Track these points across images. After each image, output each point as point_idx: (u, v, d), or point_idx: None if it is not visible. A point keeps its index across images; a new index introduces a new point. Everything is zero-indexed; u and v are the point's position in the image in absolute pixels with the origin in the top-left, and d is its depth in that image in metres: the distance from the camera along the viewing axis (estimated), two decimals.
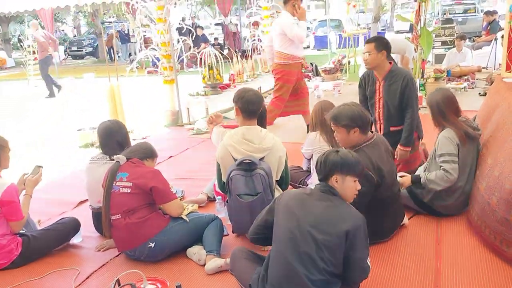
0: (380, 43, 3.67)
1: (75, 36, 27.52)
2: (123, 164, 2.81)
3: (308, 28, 21.90)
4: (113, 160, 2.94)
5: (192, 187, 4.24)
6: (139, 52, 8.67)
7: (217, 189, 3.28)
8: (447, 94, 3.29)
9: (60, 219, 3.25)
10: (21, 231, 2.97)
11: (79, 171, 5.00)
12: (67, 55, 22.36)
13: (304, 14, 5.40)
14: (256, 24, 10.39)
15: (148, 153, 2.99)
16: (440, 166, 3.11)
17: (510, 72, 3.91)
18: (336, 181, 2.18)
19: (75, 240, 3.22)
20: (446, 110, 3.20)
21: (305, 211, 2.12)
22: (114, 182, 2.77)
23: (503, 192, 2.52)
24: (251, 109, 2.92)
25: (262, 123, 3.05)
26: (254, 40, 9.91)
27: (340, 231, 2.04)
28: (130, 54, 18.31)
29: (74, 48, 22.39)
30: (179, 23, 14.12)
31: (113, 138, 3.15)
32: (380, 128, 3.84)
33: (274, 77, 5.67)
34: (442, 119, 3.22)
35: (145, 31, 7.36)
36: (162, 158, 4.99)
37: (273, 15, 9.76)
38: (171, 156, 5.35)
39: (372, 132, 2.97)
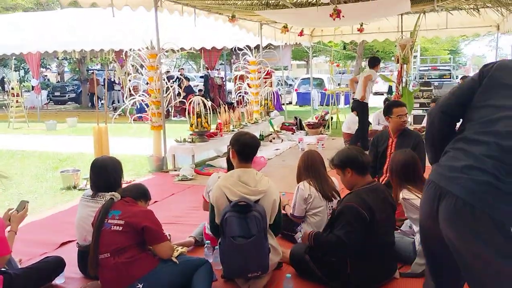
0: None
1: (58, 82, 27.60)
2: (116, 202, 2.77)
3: (290, 85, 22.68)
4: (102, 198, 2.89)
5: (178, 232, 4.16)
6: (122, 100, 8.76)
7: (208, 232, 3.24)
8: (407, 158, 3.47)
9: (44, 258, 3.13)
10: (2, 269, 2.84)
11: (60, 213, 4.90)
12: (49, 100, 22.29)
13: None
14: (242, 78, 10.68)
15: (142, 194, 2.98)
16: None
17: None
18: None
19: (57, 280, 3.08)
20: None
21: None
22: (106, 219, 2.71)
23: None
24: (247, 152, 2.96)
25: None
26: (240, 92, 10.13)
27: None
28: (113, 102, 18.41)
29: (57, 93, 22.38)
30: (167, 71, 14.41)
31: (107, 174, 3.12)
32: (383, 181, 4.00)
33: None
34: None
35: (130, 80, 7.50)
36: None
37: (259, 70, 10.08)
38: (156, 201, 5.28)
39: (374, 179, 3.05)
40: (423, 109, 11.26)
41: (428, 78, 17.74)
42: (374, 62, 7.66)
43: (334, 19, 6.51)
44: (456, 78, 19.77)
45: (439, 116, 2.02)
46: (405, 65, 7.54)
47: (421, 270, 3.08)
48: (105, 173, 3.13)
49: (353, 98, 7.64)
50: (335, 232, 2.84)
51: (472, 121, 1.86)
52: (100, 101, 17.82)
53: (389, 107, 4.65)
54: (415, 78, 18.36)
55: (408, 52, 7.48)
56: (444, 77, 18.71)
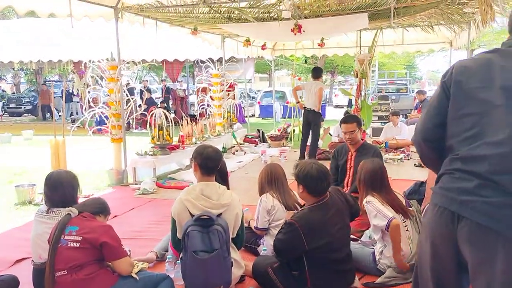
0: (359, 122, 4.20)
1: (13, 93, 26.62)
2: (73, 217, 2.69)
3: (253, 98, 22.82)
4: (58, 214, 2.80)
5: (138, 247, 4.07)
6: (81, 112, 8.52)
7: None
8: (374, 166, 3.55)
9: None
10: None
11: (15, 230, 4.70)
12: (4, 111, 21.44)
13: None
14: (205, 90, 10.66)
15: (101, 208, 2.90)
16: None
17: None
18: None
19: None
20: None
21: None
22: (63, 235, 2.62)
23: None
24: (210, 165, 2.93)
25: (224, 180, 3.08)
26: (203, 105, 10.11)
27: None
28: (71, 114, 17.94)
29: (12, 105, 21.57)
30: (127, 83, 14.16)
31: (63, 189, 3.02)
32: None
33: None
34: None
35: (89, 92, 7.33)
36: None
37: (222, 82, 10.10)
38: (116, 216, 5.15)
39: (327, 194, 3.05)
40: (381, 122, 11.59)
41: (385, 92, 18.33)
42: (319, 73, 7.95)
43: (295, 34, 6.63)
44: (412, 92, 20.49)
45: (424, 146, 1.96)
46: (363, 80, 7.75)
47: (391, 283, 3.21)
48: (60, 188, 3.02)
49: (306, 109, 7.82)
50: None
51: (457, 136, 1.79)
52: (58, 113, 17.31)
53: (340, 122, 4.76)
54: (374, 92, 18.91)
55: (366, 67, 7.70)
56: (401, 91, 19.36)
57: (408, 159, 8.29)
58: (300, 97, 8.87)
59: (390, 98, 15.36)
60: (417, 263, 2.00)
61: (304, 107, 7.85)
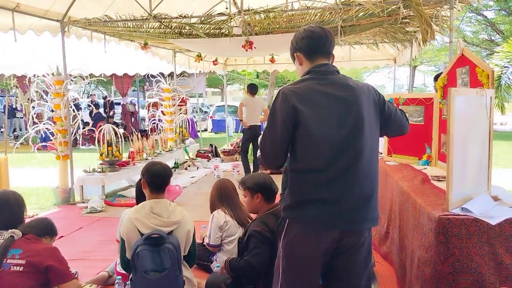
0: None
1: None
2: (17, 239, 2.56)
3: (205, 112, 22.74)
4: (1, 236, 2.66)
5: (87, 268, 3.94)
6: (25, 128, 8.13)
7: (118, 269, 3.10)
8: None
9: None
10: None
11: None
12: None
13: None
14: (156, 105, 10.53)
15: (47, 230, 2.79)
16: None
17: (391, 156, 4.42)
18: None
19: None
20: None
21: None
22: (5, 259, 2.49)
23: (414, 268, 2.69)
24: (157, 182, 2.88)
25: None
26: (154, 120, 9.96)
27: None
28: (14, 130, 17.13)
29: None
30: (75, 98, 13.72)
31: (9, 209, 2.87)
32: None
33: None
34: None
35: (33, 107, 7.05)
36: None
37: (173, 97, 10.02)
38: (62, 236, 4.94)
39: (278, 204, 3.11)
40: None
41: None
42: (255, 90, 8.21)
43: (246, 50, 6.71)
44: None
45: None
46: None
47: None
48: (6, 209, 2.87)
49: (252, 126, 7.99)
50: (245, 258, 2.99)
51: None
52: (0, 129, 16.49)
53: None
54: None
55: None
56: None
57: None
58: None
59: None
60: None
61: (250, 125, 7.91)
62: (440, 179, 3.24)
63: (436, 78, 4.51)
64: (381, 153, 4.52)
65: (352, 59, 10.77)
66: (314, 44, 2.08)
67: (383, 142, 4.63)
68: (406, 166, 4.00)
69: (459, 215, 2.38)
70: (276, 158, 2.05)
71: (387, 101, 2.15)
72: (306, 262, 2.04)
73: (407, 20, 6.31)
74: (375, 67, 13.87)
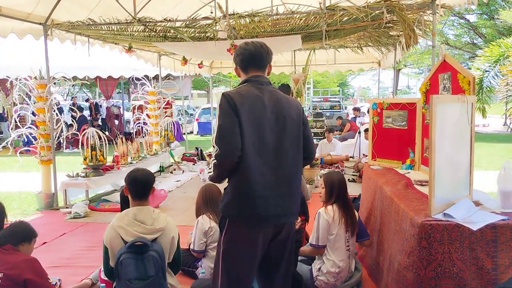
0: None
1: None
2: None
3: (191, 115, 22.64)
4: None
5: (70, 275, 3.88)
6: (8, 131, 7.99)
7: (102, 276, 3.06)
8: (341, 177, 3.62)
9: None
10: None
11: None
12: None
13: None
14: (141, 108, 10.45)
15: (24, 235, 2.72)
16: None
17: (375, 160, 4.46)
18: None
19: None
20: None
21: None
22: None
23: (394, 273, 2.73)
24: (139, 190, 2.84)
25: None
26: (139, 123, 9.89)
27: None
28: None
29: None
30: (57, 103, 13.52)
31: None
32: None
33: None
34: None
35: (16, 111, 6.95)
36: (35, 244, 4.52)
37: (159, 100, 9.96)
38: (45, 242, 4.88)
39: None
40: (317, 138, 11.91)
41: (320, 109, 18.91)
42: None
43: (231, 54, 6.69)
44: (346, 109, 21.31)
45: None
46: (299, 98, 7.97)
47: None
48: None
49: None
50: None
51: None
52: None
53: None
54: (309, 109, 19.45)
55: (301, 86, 7.92)
56: (335, 107, 20.08)
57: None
58: None
59: (325, 115, 15.89)
60: None
61: None
62: (423, 184, 3.28)
63: None
64: (366, 156, 4.56)
65: (337, 62, 10.87)
66: (246, 60, 2.42)
67: (367, 146, 4.67)
68: (390, 170, 4.04)
69: (441, 220, 2.41)
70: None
71: (308, 123, 2.51)
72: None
73: (391, 25, 6.37)
74: (360, 70, 14.00)
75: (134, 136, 9.93)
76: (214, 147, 2.25)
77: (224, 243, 2.32)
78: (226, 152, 2.21)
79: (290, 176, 2.33)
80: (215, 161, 2.24)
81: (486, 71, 10.40)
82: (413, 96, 25.37)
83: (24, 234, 2.74)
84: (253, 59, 2.41)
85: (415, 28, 5.75)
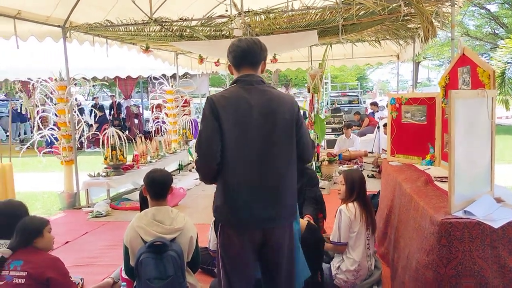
0: None
1: None
2: (18, 250, 2.56)
3: None
4: (4, 245, 2.67)
5: (92, 274, 3.95)
6: (31, 132, 8.15)
7: (123, 275, 3.10)
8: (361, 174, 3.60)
9: None
10: None
11: None
12: None
13: None
14: (159, 107, 10.54)
15: (30, 232, 2.69)
16: None
17: (394, 156, 4.40)
18: None
19: None
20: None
21: None
22: (7, 271, 2.49)
23: (412, 271, 2.71)
24: (157, 190, 2.88)
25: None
26: (158, 122, 9.98)
27: None
28: (19, 134, 17.23)
29: None
30: (78, 104, 13.74)
31: (14, 219, 2.86)
32: None
33: None
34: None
35: (43, 111, 7.09)
36: (57, 244, 4.63)
37: (177, 99, 10.03)
38: (67, 242, 4.98)
39: None
40: (335, 134, 11.86)
41: (338, 104, 18.75)
42: None
43: None
44: (364, 103, 21.05)
45: None
46: (316, 94, 7.92)
47: None
48: (13, 220, 2.85)
49: None
50: None
51: None
52: (6, 133, 16.58)
53: None
54: (327, 104, 19.31)
55: (318, 82, 7.85)
56: (353, 102, 19.88)
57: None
58: None
59: (343, 110, 15.75)
60: None
61: None
62: (443, 180, 3.22)
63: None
64: (385, 151, 4.52)
65: (355, 56, 10.74)
66: (238, 58, 2.34)
67: (386, 142, 4.62)
68: (410, 166, 3.99)
69: (461, 218, 2.37)
70: None
71: (303, 123, 2.38)
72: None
73: (409, 18, 6.27)
74: (378, 63, 13.83)
75: (153, 135, 10.03)
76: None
77: (220, 246, 2.33)
78: (204, 157, 2.23)
79: (280, 179, 2.26)
80: (196, 166, 2.29)
81: (508, 62, 10.16)
82: (434, 89, 24.91)
83: (31, 231, 2.69)
84: (245, 56, 2.34)
85: (433, 20, 5.65)
